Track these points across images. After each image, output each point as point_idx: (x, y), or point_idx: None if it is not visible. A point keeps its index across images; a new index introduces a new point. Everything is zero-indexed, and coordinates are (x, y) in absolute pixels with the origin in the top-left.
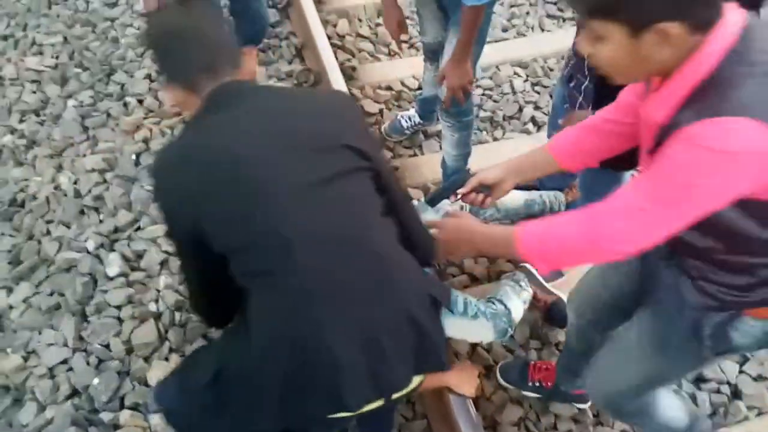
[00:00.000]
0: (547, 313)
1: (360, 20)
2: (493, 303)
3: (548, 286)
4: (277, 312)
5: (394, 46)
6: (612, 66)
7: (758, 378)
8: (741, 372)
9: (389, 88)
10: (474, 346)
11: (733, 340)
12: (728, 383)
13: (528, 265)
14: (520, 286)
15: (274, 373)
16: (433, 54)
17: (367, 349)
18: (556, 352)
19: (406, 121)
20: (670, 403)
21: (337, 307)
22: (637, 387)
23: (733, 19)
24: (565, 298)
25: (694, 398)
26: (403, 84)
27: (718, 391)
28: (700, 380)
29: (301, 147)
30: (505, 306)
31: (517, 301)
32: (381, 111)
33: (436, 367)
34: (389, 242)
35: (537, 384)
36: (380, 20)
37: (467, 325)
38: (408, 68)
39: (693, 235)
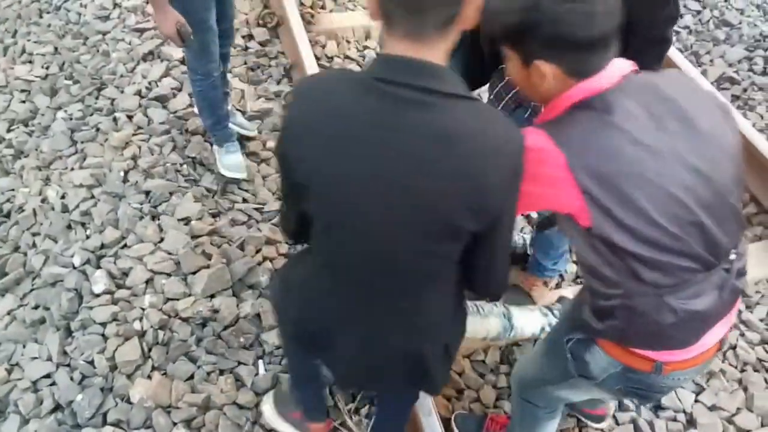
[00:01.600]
0: None
1: (348, 42)
2: (495, 305)
3: None
4: (312, 264)
5: None
6: (516, 84)
7: (712, 408)
8: (696, 401)
9: None
10: None
11: (589, 365)
12: (684, 412)
13: (569, 295)
14: (552, 311)
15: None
16: None
17: (366, 350)
18: None
19: None
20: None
21: (359, 305)
22: (533, 379)
23: (610, 73)
24: None
25: (651, 425)
26: None
27: (675, 419)
28: (658, 408)
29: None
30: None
31: (535, 320)
32: None
33: (428, 390)
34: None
35: None
36: (368, 42)
37: (480, 321)
38: None
39: (588, 253)
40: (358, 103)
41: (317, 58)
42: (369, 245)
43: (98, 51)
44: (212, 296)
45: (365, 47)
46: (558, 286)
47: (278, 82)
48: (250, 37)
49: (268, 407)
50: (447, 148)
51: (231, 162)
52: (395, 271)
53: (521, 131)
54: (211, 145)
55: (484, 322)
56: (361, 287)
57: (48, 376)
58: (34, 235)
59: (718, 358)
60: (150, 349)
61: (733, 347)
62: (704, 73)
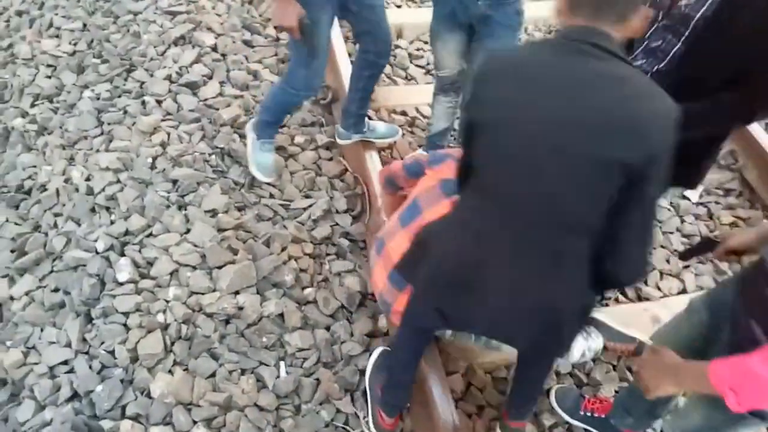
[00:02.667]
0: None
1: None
2: None
3: (625, 330)
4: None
5: (411, 71)
6: None
7: None
8: None
9: (404, 113)
10: (468, 385)
11: None
12: None
13: (600, 316)
14: (589, 334)
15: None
16: (451, 85)
17: (513, 297)
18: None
19: None
20: None
21: (513, 246)
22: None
23: None
24: (645, 339)
25: None
26: (417, 111)
27: None
28: None
29: (580, 136)
30: None
31: (578, 344)
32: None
33: (556, 350)
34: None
35: (588, 414)
36: (399, 42)
37: None
38: (423, 95)
39: None
40: (542, 53)
41: (349, 54)
42: (534, 182)
43: (129, 31)
44: (237, 293)
45: (396, 46)
46: None
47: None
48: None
49: (371, 361)
50: (615, 89)
51: (263, 161)
52: (556, 213)
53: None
54: (242, 137)
55: None
56: (521, 228)
57: (66, 362)
58: (56, 215)
59: None
60: (173, 343)
61: None
62: None
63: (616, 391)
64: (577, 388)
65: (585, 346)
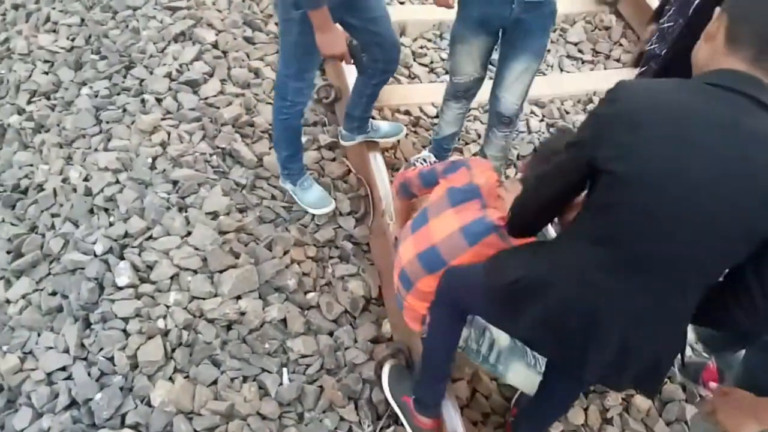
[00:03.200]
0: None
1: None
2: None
3: None
4: (590, 255)
5: (414, 69)
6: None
7: None
8: None
9: (408, 112)
10: (474, 392)
11: None
12: None
13: None
14: None
15: (548, 302)
16: (465, 92)
17: (621, 344)
18: None
19: (421, 164)
20: None
21: (631, 300)
22: None
23: None
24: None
25: None
26: (421, 110)
27: None
28: None
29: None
30: None
31: None
32: (398, 141)
33: (649, 392)
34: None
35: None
36: (402, 39)
37: (533, 377)
38: (427, 94)
39: None
40: (693, 102)
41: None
42: (673, 245)
43: (128, 27)
44: (239, 297)
45: (401, 44)
46: None
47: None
48: None
49: (385, 379)
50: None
51: (313, 198)
52: (691, 275)
53: None
54: (243, 137)
55: (537, 379)
56: (641, 291)
57: (64, 369)
58: (53, 216)
59: None
60: (173, 350)
61: None
62: None
63: (624, 399)
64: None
65: None
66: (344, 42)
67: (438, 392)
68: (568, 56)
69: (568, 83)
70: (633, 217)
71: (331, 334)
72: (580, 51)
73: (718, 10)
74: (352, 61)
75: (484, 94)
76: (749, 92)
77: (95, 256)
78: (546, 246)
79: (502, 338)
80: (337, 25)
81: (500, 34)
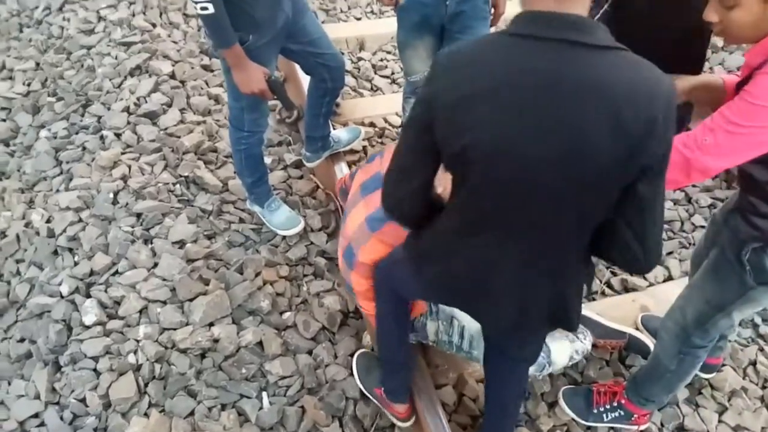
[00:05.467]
0: (624, 353)
1: (342, 53)
2: None
3: (614, 325)
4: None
5: (376, 82)
6: (738, 29)
7: (737, 428)
8: (720, 422)
9: (372, 124)
10: (461, 396)
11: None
12: None
13: (589, 313)
14: (577, 337)
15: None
16: None
17: (521, 300)
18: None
19: None
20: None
21: (507, 265)
22: (700, 313)
23: None
24: (634, 332)
25: None
26: (386, 121)
27: None
28: (681, 429)
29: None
30: (546, 344)
31: (564, 345)
32: (364, 148)
33: (568, 327)
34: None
35: (602, 408)
36: (362, 54)
37: None
38: (391, 105)
39: (759, 169)
40: (511, 63)
41: None
42: (533, 204)
43: (83, 66)
44: (211, 324)
45: (359, 58)
46: None
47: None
48: None
49: (355, 371)
50: (606, 102)
51: (282, 220)
52: (552, 225)
53: (671, 77)
54: (206, 164)
55: None
56: (520, 246)
57: (36, 416)
58: (18, 262)
59: (740, 376)
60: (146, 385)
61: (753, 363)
62: None
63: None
64: (583, 385)
65: (572, 349)
66: (262, 79)
67: (402, 380)
68: None
69: None
70: (485, 190)
71: (310, 352)
72: None
73: None
74: (275, 97)
75: None
76: (565, 37)
77: (61, 297)
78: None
79: (471, 323)
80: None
81: (442, 30)
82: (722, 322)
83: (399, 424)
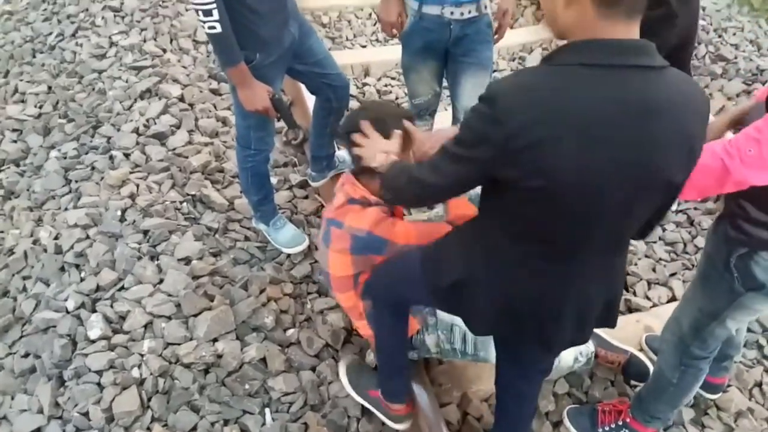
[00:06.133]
0: (624, 371)
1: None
2: None
3: (616, 343)
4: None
5: None
6: (543, 8)
7: None
8: None
9: None
10: (465, 415)
11: (756, 275)
12: None
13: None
14: None
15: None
16: (426, 110)
17: (579, 318)
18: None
19: None
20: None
21: (572, 281)
22: (695, 322)
23: None
24: (636, 352)
25: None
26: None
27: None
28: None
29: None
30: None
31: (570, 349)
32: None
33: (611, 325)
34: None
35: (607, 428)
36: (367, 80)
37: None
38: None
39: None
40: (597, 95)
41: None
42: (605, 224)
43: (94, 89)
44: (215, 340)
45: (364, 84)
46: None
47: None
48: None
49: (344, 379)
50: (671, 118)
51: (287, 238)
52: (616, 235)
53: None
54: (213, 183)
55: None
56: (587, 262)
57: (39, 430)
58: (24, 278)
59: (745, 396)
60: (150, 399)
61: (759, 384)
62: None
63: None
64: (588, 404)
65: (576, 351)
66: (266, 97)
67: (402, 382)
68: None
69: None
70: (556, 220)
71: (313, 369)
72: None
73: None
74: (278, 115)
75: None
76: (632, 63)
77: (67, 312)
78: (478, 242)
79: None
80: (286, 75)
81: (446, 54)
82: (718, 330)
83: (396, 426)
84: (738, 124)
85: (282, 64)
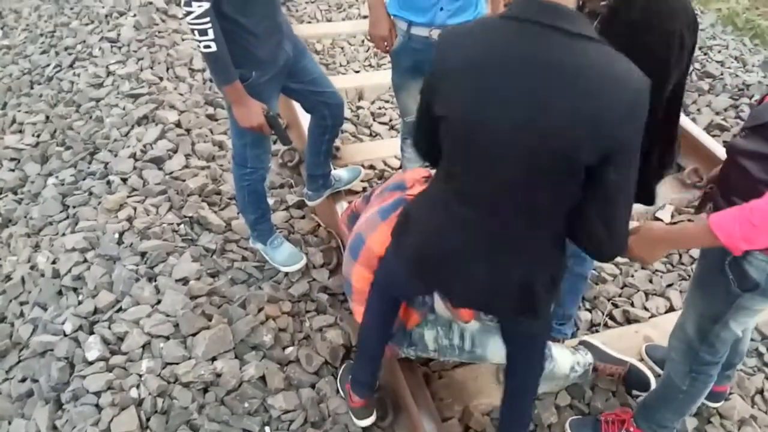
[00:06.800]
0: (626, 381)
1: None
2: None
3: (615, 354)
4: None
5: (375, 128)
6: None
7: None
8: None
9: (372, 167)
10: (466, 429)
11: (750, 275)
12: None
13: (592, 340)
14: (577, 350)
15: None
16: None
17: (490, 278)
18: None
19: None
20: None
21: (480, 230)
22: (699, 327)
23: None
24: (635, 362)
25: None
26: (385, 163)
27: None
28: None
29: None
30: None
31: (564, 351)
32: (364, 189)
33: (531, 317)
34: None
35: None
36: (361, 103)
37: None
38: (389, 149)
39: (757, 165)
40: (493, 44)
41: None
42: (499, 177)
43: (91, 117)
44: (214, 359)
45: (359, 107)
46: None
47: (274, 142)
48: None
49: (339, 374)
50: (569, 83)
51: (284, 256)
52: (526, 204)
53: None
54: (210, 205)
55: None
56: (491, 218)
57: None
58: (21, 304)
59: (748, 404)
60: (148, 419)
61: (761, 391)
62: (694, 120)
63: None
64: (590, 416)
65: (573, 360)
66: (260, 114)
67: (369, 372)
68: None
69: None
70: (465, 156)
71: (313, 386)
72: None
73: None
74: (272, 132)
75: None
76: (544, 21)
77: (65, 335)
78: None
79: (471, 322)
80: (282, 97)
81: None
82: (723, 333)
83: (357, 422)
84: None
85: (277, 82)
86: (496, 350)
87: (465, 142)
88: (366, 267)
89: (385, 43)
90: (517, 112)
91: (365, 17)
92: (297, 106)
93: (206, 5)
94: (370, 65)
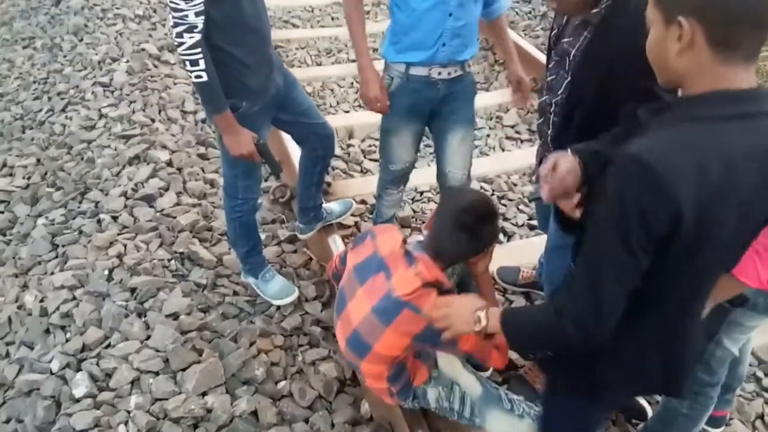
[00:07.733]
0: (624, 410)
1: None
2: (537, 405)
3: None
4: None
5: (365, 165)
6: (649, 56)
7: None
8: None
9: (363, 201)
10: None
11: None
12: None
13: None
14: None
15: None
16: (402, 176)
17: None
18: None
19: None
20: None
21: None
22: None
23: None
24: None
25: None
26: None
27: None
28: None
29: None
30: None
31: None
32: (356, 223)
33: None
34: None
35: None
36: (352, 141)
37: (513, 422)
38: None
39: None
40: (736, 150)
41: None
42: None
43: (83, 158)
44: (204, 393)
45: (349, 145)
46: None
47: (266, 179)
48: None
49: None
50: None
51: (276, 289)
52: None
53: None
54: (201, 241)
55: (517, 424)
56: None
57: None
58: (8, 344)
59: (748, 429)
60: None
61: (761, 416)
62: None
63: None
64: None
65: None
66: (251, 142)
67: None
68: (507, 137)
69: (511, 160)
70: (698, 276)
71: (306, 421)
72: (517, 132)
73: (652, 14)
74: (263, 161)
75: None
76: (763, 110)
77: (51, 373)
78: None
79: (473, 389)
80: (272, 130)
81: (429, 115)
82: (718, 352)
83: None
84: None
85: (267, 112)
86: (498, 422)
87: (717, 257)
88: (376, 364)
89: (379, 105)
90: (750, 198)
91: (354, 61)
92: (288, 141)
93: (197, 37)
94: (359, 105)
